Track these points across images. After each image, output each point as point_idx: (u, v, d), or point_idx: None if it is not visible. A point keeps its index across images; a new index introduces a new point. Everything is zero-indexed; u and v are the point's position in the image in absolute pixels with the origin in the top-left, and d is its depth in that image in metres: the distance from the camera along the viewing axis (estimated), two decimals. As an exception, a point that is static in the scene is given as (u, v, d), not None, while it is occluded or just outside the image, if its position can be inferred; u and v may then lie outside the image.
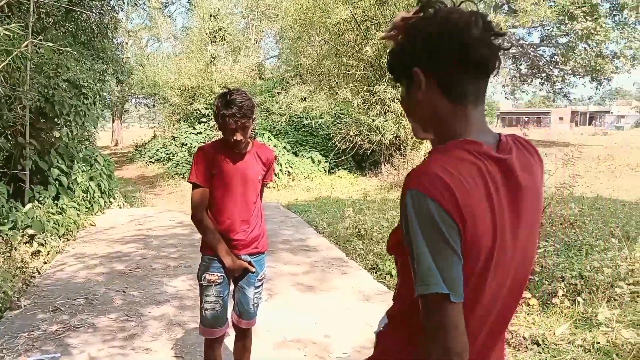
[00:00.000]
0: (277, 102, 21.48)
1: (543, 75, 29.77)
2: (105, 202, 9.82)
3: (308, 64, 18.28)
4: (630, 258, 5.35)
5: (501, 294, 1.21)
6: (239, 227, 2.83)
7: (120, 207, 10.55)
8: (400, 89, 1.33)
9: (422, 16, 1.21)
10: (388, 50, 1.31)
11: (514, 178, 1.18)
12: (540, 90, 34.15)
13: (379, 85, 14.40)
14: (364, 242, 6.90)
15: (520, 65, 30.51)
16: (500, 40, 1.18)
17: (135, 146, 24.23)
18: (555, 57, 27.51)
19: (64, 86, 8.17)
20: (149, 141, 23.48)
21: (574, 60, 23.86)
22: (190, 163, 14.58)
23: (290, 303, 4.86)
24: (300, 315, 4.53)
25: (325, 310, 4.72)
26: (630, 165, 19.24)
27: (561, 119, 59.08)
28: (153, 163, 20.11)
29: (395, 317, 1.32)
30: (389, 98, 13.94)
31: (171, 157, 19.05)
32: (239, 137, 2.67)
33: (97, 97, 9.19)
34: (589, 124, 60.94)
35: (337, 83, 16.76)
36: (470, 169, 1.12)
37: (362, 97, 14.62)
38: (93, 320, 4.48)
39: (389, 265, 5.84)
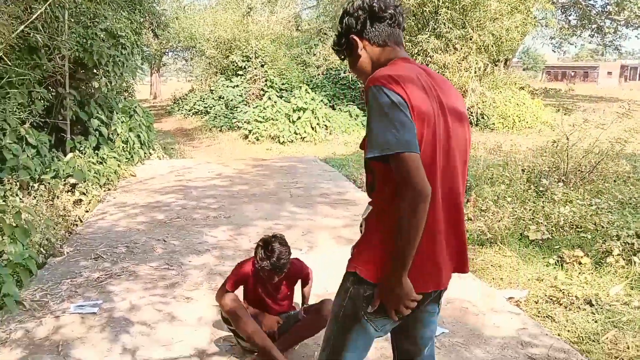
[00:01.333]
0: (314, 55, 21.05)
1: (594, 26, 28.22)
2: (145, 153, 9.87)
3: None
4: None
5: (443, 159, 1.71)
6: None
7: (160, 159, 10.60)
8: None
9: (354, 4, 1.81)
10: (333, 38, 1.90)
11: (433, 77, 1.77)
12: (589, 43, 32.46)
13: (422, 34, 13.85)
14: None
15: (570, 16, 28.97)
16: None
17: (174, 99, 24.26)
18: (608, 6, 25.91)
19: (102, 36, 8.08)
20: (186, 94, 23.46)
21: (629, 9, 22.39)
22: (227, 115, 14.53)
23: (330, 256, 4.76)
24: (341, 268, 4.41)
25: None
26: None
27: (609, 73, 56.33)
28: (191, 116, 20.12)
29: (375, 202, 1.77)
30: (431, 49, 13.41)
31: (209, 110, 19.00)
32: (276, 278, 2.92)
33: (135, 47, 9.09)
34: (640, 78, 57.99)
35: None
36: (408, 69, 1.71)
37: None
38: (134, 268, 4.49)
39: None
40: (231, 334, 3.14)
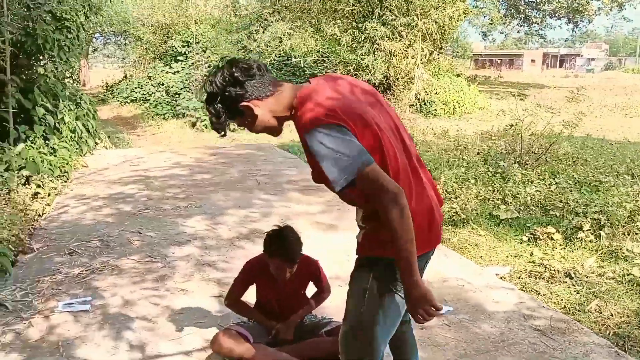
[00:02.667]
0: (255, 41, 20.75)
1: (522, 16, 29.55)
2: (93, 143, 9.41)
3: (287, 0, 17.57)
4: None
5: (397, 145, 1.82)
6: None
7: (107, 149, 10.15)
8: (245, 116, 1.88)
9: (217, 83, 1.81)
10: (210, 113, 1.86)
11: (335, 79, 1.92)
12: (518, 32, 33.97)
13: (368, 22, 13.97)
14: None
15: (500, 6, 30.11)
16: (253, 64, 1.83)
17: (106, 86, 23.21)
18: (536, -3, 27.22)
19: (46, 18, 7.58)
20: (120, 81, 22.48)
21: (556, 1, 23.60)
22: (170, 103, 14.03)
23: (315, 241, 4.74)
24: (330, 253, 4.43)
25: (354, 247, 4.63)
26: (608, 106, 19.53)
27: (533, 61, 59.25)
28: (128, 103, 19.35)
29: (366, 219, 1.88)
30: (379, 36, 13.56)
31: (148, 98, 18.35)
32: (287, 274, 2.73)
33: (81, 30, 8.61)
34: (560, 66, 61.38)
35: (320, 20, 16.18)
36: (321, 91, 1.81)
37: (350, 35, 14.17)
38: (115, 262, 4.30)
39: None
40: (239, 318, 3.05)
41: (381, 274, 1.83)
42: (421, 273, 1.83)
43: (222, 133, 1.90)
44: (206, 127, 13.39)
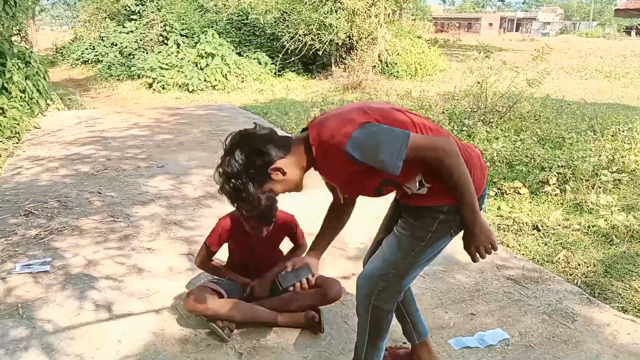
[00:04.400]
0: (212, -1, 20.07)
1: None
2: (45, 104, 8.93)
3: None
4: (612, 148, 5.51)
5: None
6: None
7: (59, 110, 9.67)
8: None
9: (230, 163, 1.79)
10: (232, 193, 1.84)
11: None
12: (477, -6, 34.05)
13: (330, -20, 13.65)
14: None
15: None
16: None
17: (56, 48, 22.07)
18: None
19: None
20: (70, 43, 21.41)
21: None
22: (124, 64, 13.49)
23: (285, 198, 4.64)
24: (300, 210, 4.33)
25: (324, 204, 4.55)
26: (564, 68, 19.89)
27: (490, 24, 59.68)
28: (80, 65, 18.50)
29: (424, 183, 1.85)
30: (341, -6, 13.28)
31: (100, 59, 17.56)
32: (265, 232, 2.64)
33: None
34: (516, 30, 62.11)
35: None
36: (330, 114, 1.86)
37: (312, -7, 13.82)
38: (75, 222, 4.10)
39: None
40: (211, 277, 2.93)
41: (447, 218, 1.87)
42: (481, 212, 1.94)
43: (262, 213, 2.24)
44: (163, 87, 12.96)
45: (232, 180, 1.79)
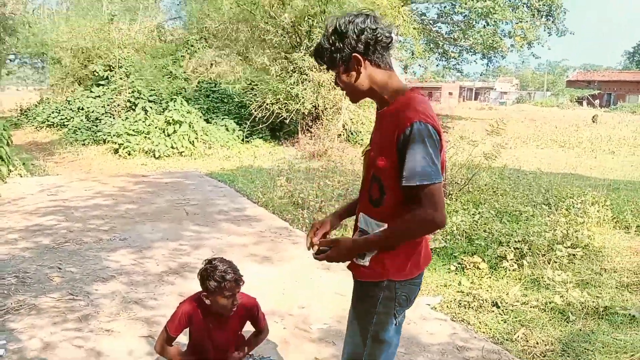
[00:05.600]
0: (181, 66, 20.46)
1: (440, 51, 31.09)
2: (6, 170, 8.80)
3: (214, 28, 17.52)
4: (566, 222, 5.74)
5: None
6: None
7: (21, 176, 9.54)
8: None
9: (347, 21, 1.85)
10: (317, 46, 1.94)
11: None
12: (437, 66, 35.64)
13: (296, 53, 14.16)
14: (304, 211, 6.82)
15: (420, 41, 31.55)
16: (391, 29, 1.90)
17: (21, 110, 21.92)
18: (453, 33, 28.75)
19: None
20: (36, 105, 21.32)
21: (472, 37, 25.07)
22: (90, 128, 13.43)
23: (251, 274, 4.65)
24: (265, 287, 4.36)
25: (290, 280, 4.59)
26: (521, 137, 20.78)
27: (450, 93, 62.24)
28: (44, 128, 18.36)
29: (378, 217, 1.90)
30: (307, 67, 13.75)
31: (66, 123, 17.49)
32: (237, 300, 2.63)
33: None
34: (475, 99, 64.91)
35: (248, 49, 16.23)
36: (428, 104, 1.87)
37: (279, 65, 14.29)
38: (33, 301, 4.00)
39: (338, 234, 5.82)
40: None
41: (391, 298, 1.92)
42: (419, 290, 2.03)
43: (329, 68, 1.94)
44: (129, 153, 12.93)
45: (336, 37, 1.86)
